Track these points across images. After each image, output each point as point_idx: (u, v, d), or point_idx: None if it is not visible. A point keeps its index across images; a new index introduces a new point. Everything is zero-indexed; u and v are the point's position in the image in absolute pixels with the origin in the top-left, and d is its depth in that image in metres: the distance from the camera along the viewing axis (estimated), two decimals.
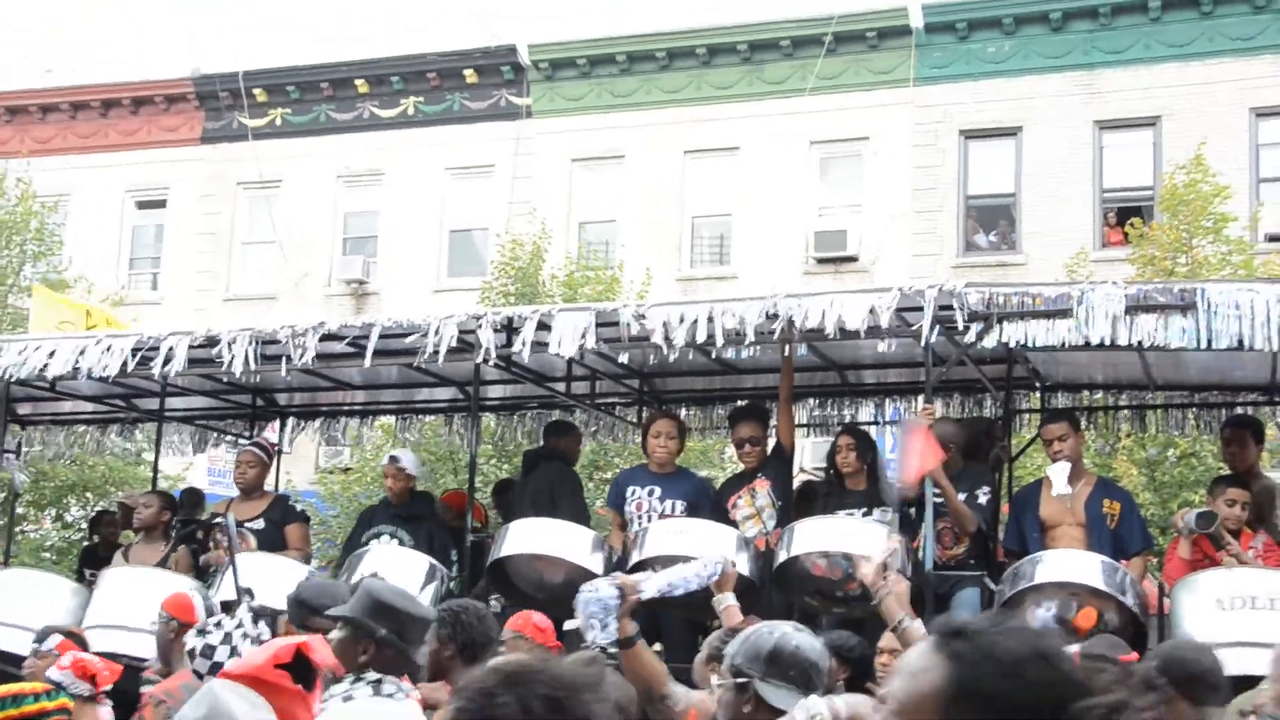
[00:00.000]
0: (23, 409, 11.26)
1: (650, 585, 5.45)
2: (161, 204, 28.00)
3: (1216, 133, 21.39)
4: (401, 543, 9.22)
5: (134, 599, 7.95)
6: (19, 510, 20.02)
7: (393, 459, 9.92)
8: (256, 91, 27.16)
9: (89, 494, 21.10)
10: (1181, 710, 4.42)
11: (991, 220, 24.58)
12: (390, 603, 4.61)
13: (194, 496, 11.10)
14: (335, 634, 4.63)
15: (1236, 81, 22.54)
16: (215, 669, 4.95)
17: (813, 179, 24.89)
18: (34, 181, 22.93)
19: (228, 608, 6.20)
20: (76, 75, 28.40)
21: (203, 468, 19.81)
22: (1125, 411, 10.11)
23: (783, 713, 4.10)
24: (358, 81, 26.79)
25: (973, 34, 24.33)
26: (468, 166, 26.38)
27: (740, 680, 4.15)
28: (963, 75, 24.34)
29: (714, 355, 8.21)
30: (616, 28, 26.08)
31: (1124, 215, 21.91)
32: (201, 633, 5.12)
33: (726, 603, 5.93)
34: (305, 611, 5.53)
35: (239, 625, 5.09)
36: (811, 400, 10.61)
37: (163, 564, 9.32)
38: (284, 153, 27.06)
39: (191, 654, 5.07)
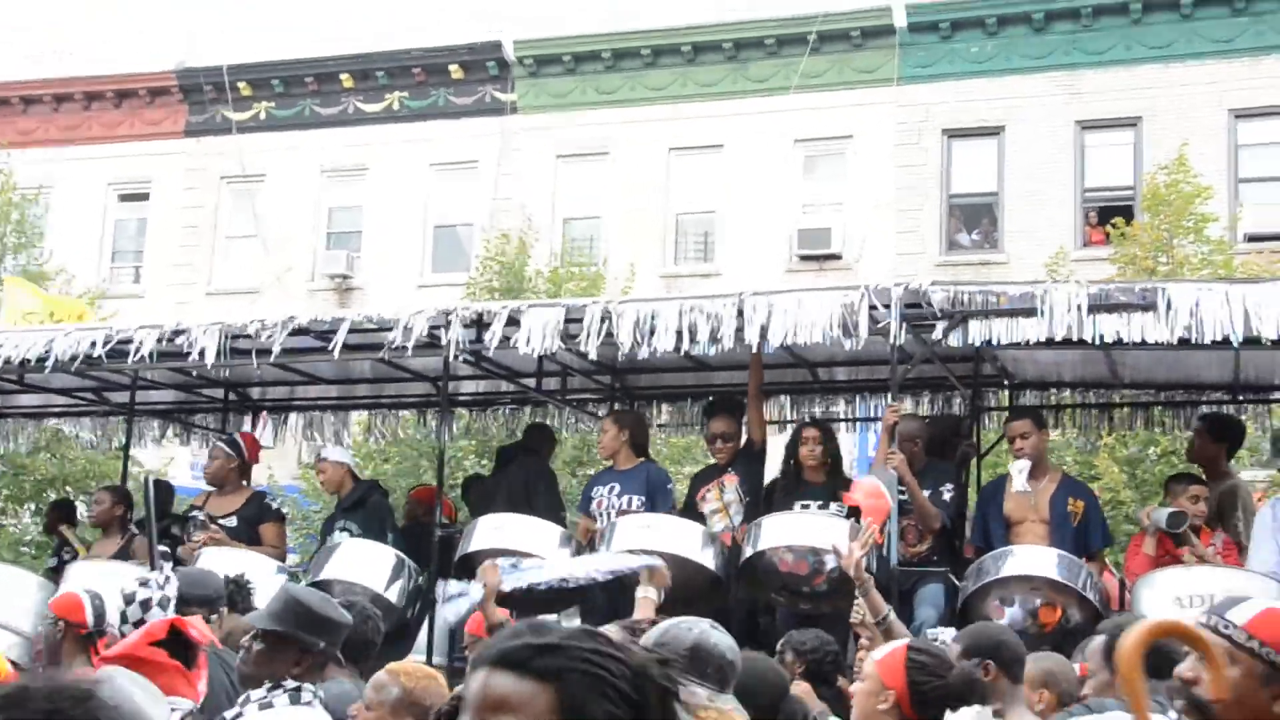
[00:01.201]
0: None
1: (529, 578, 5.78)
2: (144, 197, 27.95)
3: (1196, 133, 21.53)
4: (352, 533, 9.28)
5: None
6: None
7: (317, 456, 10.09)
8: (240, 85, 27.12)
9: (69, 487, 21.02)
10: (1003, 688, 4.64)
11: (974, 219, 24.66)
12: (322, 613, 4.60)
13: (163, 489, 11.07)
14: (257, 643, 4.62)
15: (1216, 83, 22.67)
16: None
17: (796, 177, 24.95)
18: (15, 173, 22.87)
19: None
20: (59, 67, 28.32)
21: (185, 462, 19.81)
22: (1093, 410, 10.18)
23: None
24: (342, 76, 26.78)
25: (955, 34, 24.41)
26: (452, 162, 26.37)
27: None
28: (946, 75, 24.41)
29: (682, 352, 8.24)
30: (602, 25, 26.10)
31: (1105, 215, 21.99)
32: (144, 584, 5.11)
33: (646, 593, 5.98)
34: (178, 603, 5.52)
35: (157, 585, 5.07)
36: (784, 397, 10.65)
37: (120, 556, 9.36)
38: (267, 147, 27.01)
39: (146, 603, 5.05)
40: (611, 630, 5.13)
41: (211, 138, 27.45)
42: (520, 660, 1.93)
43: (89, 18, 33.81)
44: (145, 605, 4.99)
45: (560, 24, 26.24)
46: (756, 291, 8.03)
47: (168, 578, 5.11)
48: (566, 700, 1.89)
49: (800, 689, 5.62)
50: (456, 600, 6.07)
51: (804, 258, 24.14)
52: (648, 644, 4.15)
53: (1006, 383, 9.74)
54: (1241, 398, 9.45)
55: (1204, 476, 8.34)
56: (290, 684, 4.47)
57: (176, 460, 19.82)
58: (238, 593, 6.40)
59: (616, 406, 10.26)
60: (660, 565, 6.11)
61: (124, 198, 28.20)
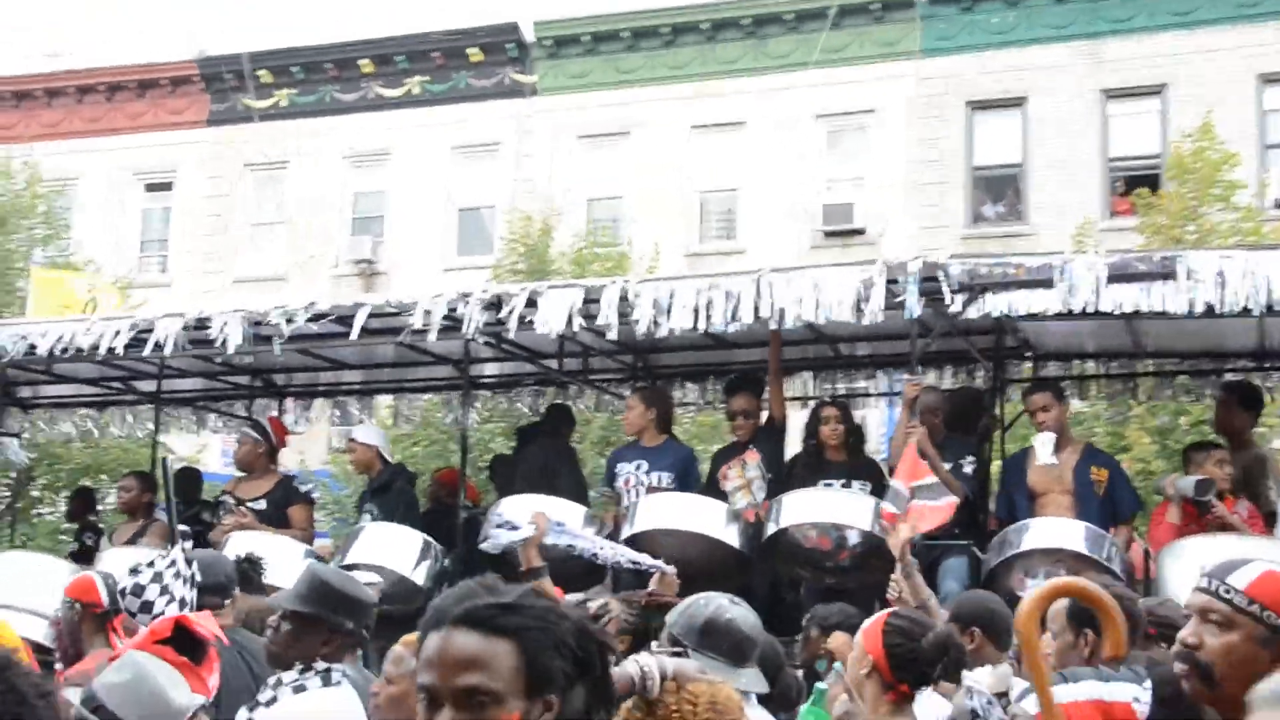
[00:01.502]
0: (24, 393, 11.37)
1: (568, 539, 6.17)
2: (168, 186, 28.11)
3: (1222, 100, 21.32)
4: (374, 516, 9.33)
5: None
6: (34, 493, 20.18)
7: (349, 437, 10.16)
8: (262, 73, 27.21)
9: (104, 476, 21.17)
10: (988, 653, 4.83)
11: (999, 191, 24.53)
12: (348, 592, 4.61)
13: (190, 476, 11.18)
14: (285, 624, 4.64)
15: (1242, 48, 22.44)
16: (146, 607, 4.96)
17: (819, 152, 24.88)
18: (41, 165, 23.03)
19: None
20: (82, 59, 28.50)
21: (217, 449, 19.92)
22: (1118, 380, 10.13)
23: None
24: (362, 62, 26.82)
25: (976, 5, 24.26)
26: (474, 145, 26.40)
27: (676, 650, 4.16)
28: (967, 46, 24.26)
29: (702, 330, 8.25)
30: (621, 4, 26.05)
31: (1132, 184, 21.84)
32: (133, 571, 5.15)
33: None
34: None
35: (171, 564, 5.09)
36: (807, 373, 10.64)
37: (134, 540, 9.47)
38: (290, 134, 27.14)
39: (122, 592, 5.09)
40: (613, 601, 5.32)
41: (234, 126, 27.54)
42: (485, 618, 2.06)
43: (89, 15, 33.90)
44: (132, 591, 5.04)
45: (579, 4, 26.19)
46: (775, 269, 8.05)
47: (150, 564, 5.12)
48: (527, 656, 2.04)
49: (838, 641, 5.68)
50: (505, 530, 6.41)
51: (828, 234, 24.09)
52: (670, 619, 4.28)
53: (1030, 355, 9.71)
54: (1268, 365, 9.39)
55: (1229, 445, 8.30)
56: (320, 665, 4.49)
57: (209, 447, 19.93)
58: (251, 569, 6.43)
59: (640, 385, 10.28)
60: (671, 574, 6.34)
61: (149, 187, 28.35)
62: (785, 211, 24.29)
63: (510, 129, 26.12)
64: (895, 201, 24.07)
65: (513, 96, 26.25)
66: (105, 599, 5.23)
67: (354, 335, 8.71)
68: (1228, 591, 2.83)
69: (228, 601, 5.43)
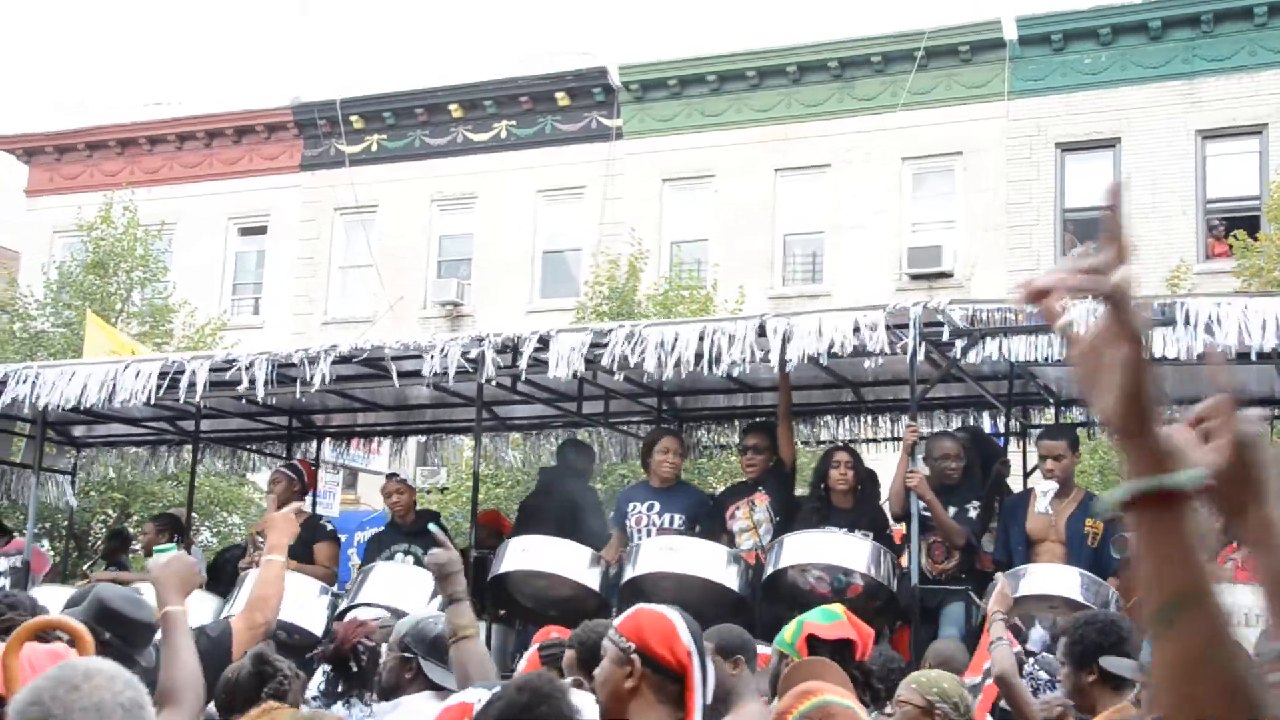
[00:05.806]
0: (77, 431, 11.69)
1: None
2: (263, 230, 28.79)
3: None
4: (417, 560, 9.40)
5: None
6: (130, 530, 20.66)
7: (393, 475, 10.19)
8: (353, 118, 27.80)
9: (195, 515, 21.62)
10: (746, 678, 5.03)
11: (1090, 233, 24.05)
12: (117, 609, 4.75)
13: None
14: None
15: None
16: None
17: (905, 195, 24.70)
18: (142, 210, 23.72)
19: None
20: (182, 107, 29.40)
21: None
22: None
23: (437, 687, 4.80)
24: (451, 106, 27.27)
25: (1068, 45, 23.94)
26: (560, 188, 26.68)
27: (405, 655, 4.88)
28: (1058, 87, 23.95)
29: (705, 371, 8.25)
30: (706, 48, 26.18)
31: (1229, 226, 21.37)
32: None
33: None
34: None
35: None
36: (829, 417, 10.58)
37: None
38: (380, 178, 27.64)
39: None
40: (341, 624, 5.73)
41: (326, 170, 28.12)
42: None
43: (195, 51, 34.87)
44: None
45: (665, 48, 26.37)
46: (778, 313, 8.07)
47: None
48: None
49: None
50: None
51: (914, 276, 23.87)
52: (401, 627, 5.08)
53: (1052, 401, 9.56)
54: None
55: None
56: None
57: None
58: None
59: (664, 427, 10.28)
60: None
61: (243, 231, 29.07)
62: (871, 254, 24.14)
63: (596, 172, 26.32)
64: (984, 244, 23.79)
65: (599, 140, 26.47)
66: None
67: (395, 379, 8.88)
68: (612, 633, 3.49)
69: None
